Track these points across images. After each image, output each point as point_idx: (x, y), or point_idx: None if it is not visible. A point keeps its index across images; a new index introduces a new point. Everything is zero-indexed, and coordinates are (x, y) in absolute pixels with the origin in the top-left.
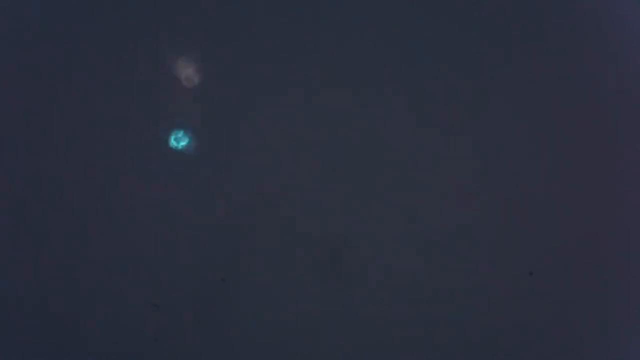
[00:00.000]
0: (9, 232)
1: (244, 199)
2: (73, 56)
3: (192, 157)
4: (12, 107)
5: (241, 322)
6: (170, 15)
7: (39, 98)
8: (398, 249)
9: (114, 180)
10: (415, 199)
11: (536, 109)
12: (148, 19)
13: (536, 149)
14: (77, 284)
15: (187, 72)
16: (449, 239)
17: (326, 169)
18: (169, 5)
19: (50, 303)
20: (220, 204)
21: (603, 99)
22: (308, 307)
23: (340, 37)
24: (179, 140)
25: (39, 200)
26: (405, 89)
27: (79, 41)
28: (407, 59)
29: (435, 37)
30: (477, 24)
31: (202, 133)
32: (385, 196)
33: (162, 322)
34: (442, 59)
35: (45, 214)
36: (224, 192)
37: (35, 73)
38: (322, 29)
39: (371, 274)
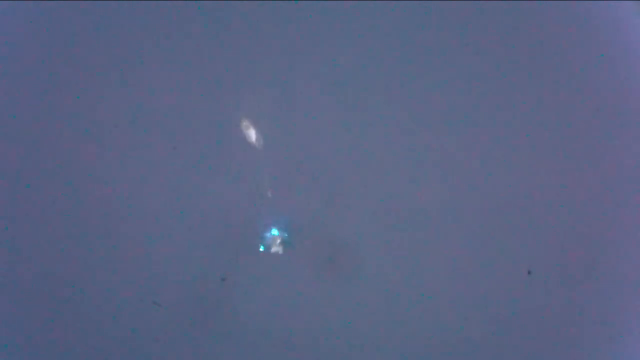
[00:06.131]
0: (10, 231)
1: (244, 198)
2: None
3: (193, 156)
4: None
5: (241, 322)
6: (175, 20)
7: (39, 99)
8: (397, 248)
9: (115, 180)
10: (414, 199)
11: (535, 110)
12: (152, 23)
13: (535, 148)
14: (77, 282)
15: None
16: (448, 238)
17: (327, 169)
18: (170, 10)
19: (50, 301)
20: (220, 204)
21: (602, 99)
22: (308, 307)
23: (339, 39)
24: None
25: (40, 198)
26: (404, 89)
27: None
28: (407, 61)
29: (435, 39)
30: (477, 28)
31: (203, 132)
32: (385, 197)
33: (162, 321)
34: (443, 60)
35: (46, 213)
36: (225, 192)
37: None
38: (322, 32)
39: (371, 274)
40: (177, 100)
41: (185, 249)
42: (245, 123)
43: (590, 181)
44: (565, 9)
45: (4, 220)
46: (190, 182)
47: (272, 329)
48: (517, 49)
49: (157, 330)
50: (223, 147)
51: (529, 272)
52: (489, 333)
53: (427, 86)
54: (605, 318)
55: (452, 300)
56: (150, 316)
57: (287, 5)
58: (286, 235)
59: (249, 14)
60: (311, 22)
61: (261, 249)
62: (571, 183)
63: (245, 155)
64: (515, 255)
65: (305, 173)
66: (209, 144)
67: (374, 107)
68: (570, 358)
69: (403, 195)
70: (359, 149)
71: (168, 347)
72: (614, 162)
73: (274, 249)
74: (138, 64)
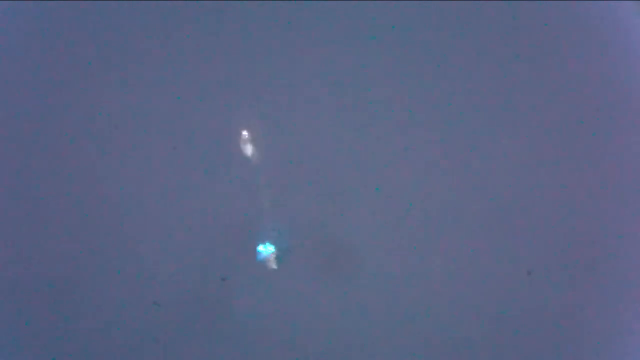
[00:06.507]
0: (10, 231)
1: (244, 198)
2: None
3: (193, 156)
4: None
5: (241, 322)
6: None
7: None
8: (397, 249)
9: (115, 180)
10: (413, 199)
11: (535, 110)
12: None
13: (535, 148)
14: (77, 282)
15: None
16: (448, 238)
17: (327, 169)
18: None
19: (50, 301)
20: (220, 204)
21: (602, 99)
22: (308, 307)
23: (339, 39)
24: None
25: (40, 198)
26: (405, 89)
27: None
28: (407, 61)
29: (435, 39)
30: (477, 28)
31: (203, 133)
32: (385, 196)
33: (162, 321)
34: (443, 60)
35: (45, 213)
36: (224, 192)
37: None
38: (323, 32)
39: (370, 274)
40: (177, 101)
41: (185, 249)
42: (245, 123)
43: (590, 181)
44: (565, 9)
45: (4, 221)
46: (190, 182)
47: (272, 329)
48: (517, 49)
49: (157, 330)
50: (223, 147)
51: (529, 272)
52: (488, 333)
53: (427, 86)
54: (605, 318)
55: (451, 300)
56: (150, 316)
57: (287, 5)
58: (284, 244)
59: (249, 14)
60: (311, 22)
61: (262, 252)
62: (571, 183)
63: (245, 155)
64: (515, 255)
65: (305, 173)
66: (209, 144)
67: (375, 107)
68: (570, 358)
69: (403, 195)
70: (359, 149)
71: (168, 347)
72: (614, 162)
73: (273, 256)
74: (138, 64)
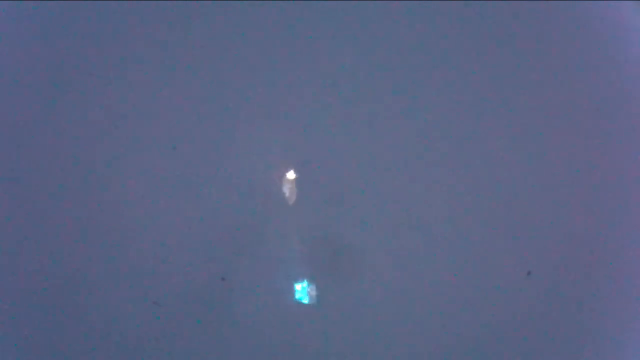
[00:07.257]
0: (10, 232)
1: (244, 198)
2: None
3: (193, 156)
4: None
5: (241, 322)
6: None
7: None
8: (397, 249)
9: (115, 179)
10: (414, 200)
11: (535, 110)
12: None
13: (535, 149)
14: (77, 282)
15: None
16: (448, 239)
17: (328, 169)
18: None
19: (50, 301)
20: (220, 204)
21: (602, 99)
22: (308, 307)
23: (341, 39)
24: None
25: (40, 199)
26: (407, 90)
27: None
28: (410, 61)
29: (436, 40)
30: (477, 29)
31: (203, 132)
32: (385, 197)
33: (162, 321)
34: (444, 60)
35: (45, 213)
36: (225, 192)
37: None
38: (325, 32)
39: (371, 275)
40: (177, 100)
41: (185, 249)
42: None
43: (590, 181)
44: (565, 9)
45: (4, 221)
46: (190, 182)
47: (272, 329)
48: (517, 49)
49: (157, 330)
50: (223, 147)
51: (529, 273)
52: (488, 333)
53: (428, 87)
54: (605, 318)
55: (452, 301)
56: (150, 316)
57: (287, 5)
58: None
59: (249, 14)
60: (312, 22)
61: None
62: (571, 183)
63: (245, 155)
64: (515, 255)
65: (306, 173)
66: (209, 144)
67: (375, 108)
68: (571, 358)
69: (404, 196)
70: (360, 150)
71: (168, 347)
72: (614, 162)
73: (273, 249)
74: (138, 64)
